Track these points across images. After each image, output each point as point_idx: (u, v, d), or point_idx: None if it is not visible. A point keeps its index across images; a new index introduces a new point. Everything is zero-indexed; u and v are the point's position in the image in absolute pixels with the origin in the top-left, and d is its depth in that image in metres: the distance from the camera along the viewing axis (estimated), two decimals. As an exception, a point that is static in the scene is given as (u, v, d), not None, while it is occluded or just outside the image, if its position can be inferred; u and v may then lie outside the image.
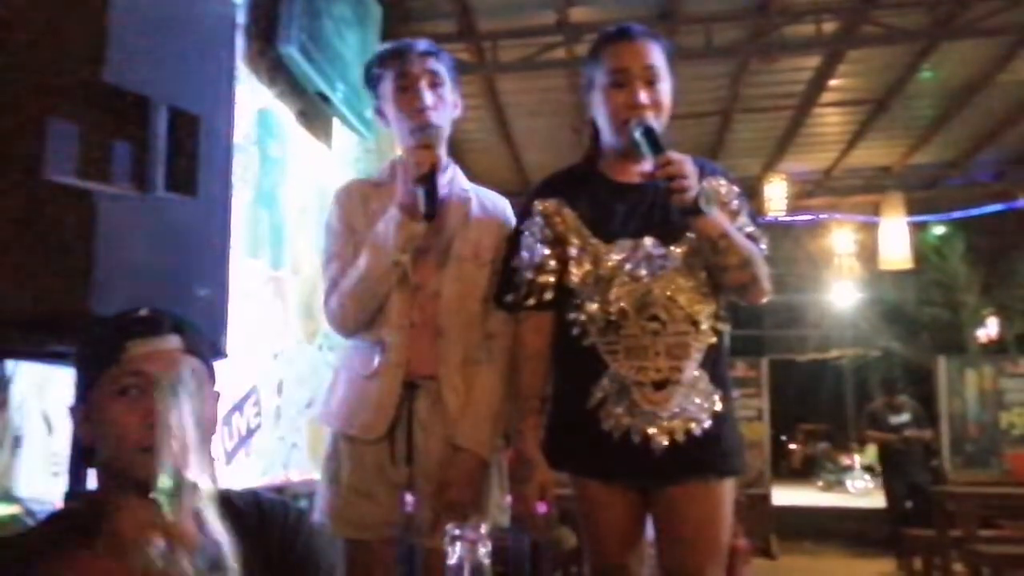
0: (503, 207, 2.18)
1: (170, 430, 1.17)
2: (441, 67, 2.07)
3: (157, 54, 1.48)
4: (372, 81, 2.14)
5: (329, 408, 2.09)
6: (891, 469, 7.85)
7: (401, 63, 2.05)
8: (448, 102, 2.08)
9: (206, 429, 1.25)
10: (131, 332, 1.24)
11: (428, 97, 2.02)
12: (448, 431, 1.99)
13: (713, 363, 1.97)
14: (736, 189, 2.06)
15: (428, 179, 1.95)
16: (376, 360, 2.01)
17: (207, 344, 1.35)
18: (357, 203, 2.10)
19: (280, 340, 3.88)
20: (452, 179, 2.14)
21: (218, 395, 1.33)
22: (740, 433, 2.06)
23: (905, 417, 7.75)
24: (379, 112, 2.16)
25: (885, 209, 8.37)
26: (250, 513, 1.33)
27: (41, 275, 1.36)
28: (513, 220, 2.14)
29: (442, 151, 2.06)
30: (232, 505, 1.32)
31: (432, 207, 1.94)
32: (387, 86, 2.08)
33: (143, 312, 1.27)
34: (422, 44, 2.08)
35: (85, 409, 1.26)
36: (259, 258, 3.69)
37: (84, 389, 1.26)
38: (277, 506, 1.39)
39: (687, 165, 1.86)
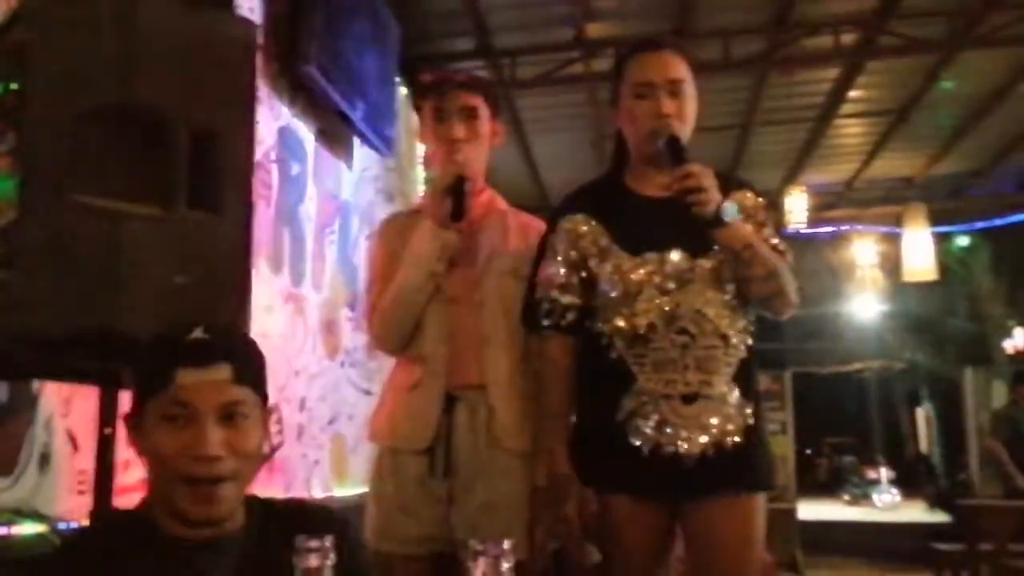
0: (539, 228, 2.19)
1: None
2: (477, 99, 2.14)
3: (179, 75, 1.49)
4: (416, 108, 2.31)
5: (376, 424, 2.15)
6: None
7: (438, 97, 2.15)
8: (482, 133, 2.15)
9: (253, 458, 1.25)
10: (181, 359, 1.20)
11: (460, 130, 2.11)
12: (496, 437, 2.01)
13: (745, 378, 1.94)
14: (762, 202, 2.05)
15: (454, 188, 2.03)
16: (416, 372, 2.06)
17: (258, 369, 1.29)
18: (398, 233, 2.17)
19: (302, 357, 3.89)
20: (490, 199, 2.22)
21: (269, 416, 1.30)
22: (771, 450, 2.04)
23: None
24: (422, 137, 2.30)
25: (908, 220, 8.31)
26: (296, 518, 1.30)
27: (66, 294, 1.38)
28: None
29: (477, 175, 2.14)
30: (277, 511, 1.32)
31: (460, 210, 2.01)
32: (426, 115, 2.19)
33: (196, 334, 1.22)
34: (460, 77, 2.20)
35: (136, 422, 1.24)
36: (280, 275, 3.71)
37: (136, 403, 1.24)
38: (323, 512, 1.38)
39: (707, 178, 1.84)
